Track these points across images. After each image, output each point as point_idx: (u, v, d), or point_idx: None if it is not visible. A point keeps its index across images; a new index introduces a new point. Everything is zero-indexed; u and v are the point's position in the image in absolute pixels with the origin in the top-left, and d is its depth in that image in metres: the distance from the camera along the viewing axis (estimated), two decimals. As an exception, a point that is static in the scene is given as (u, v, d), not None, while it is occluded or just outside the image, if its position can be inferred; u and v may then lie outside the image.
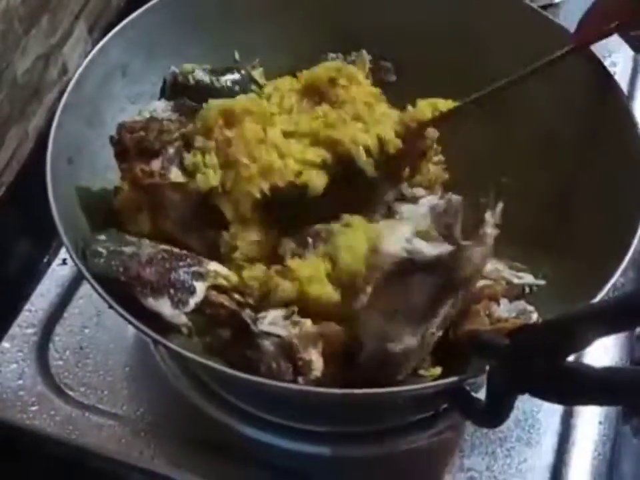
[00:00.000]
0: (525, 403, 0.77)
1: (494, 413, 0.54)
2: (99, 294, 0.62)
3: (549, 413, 0.77)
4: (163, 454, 0.74)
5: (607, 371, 0.47)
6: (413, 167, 0.79)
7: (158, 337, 0.60)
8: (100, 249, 0.66)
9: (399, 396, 0.62)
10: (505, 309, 0.66)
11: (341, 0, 0.85)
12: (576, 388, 0.47)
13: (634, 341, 0.81)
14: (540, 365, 0.48)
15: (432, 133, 0.77)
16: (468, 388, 0.58)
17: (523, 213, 0.75)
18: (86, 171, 0.74)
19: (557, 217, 0.75)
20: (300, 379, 0.63)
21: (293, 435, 0.76)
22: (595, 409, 0.77)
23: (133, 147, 0.73)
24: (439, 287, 0.60)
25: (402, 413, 0.75)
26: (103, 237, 0.68)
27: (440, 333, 0.62)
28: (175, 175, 0.72)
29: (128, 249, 0.68)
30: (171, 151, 0.73)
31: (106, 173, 0.75)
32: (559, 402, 0.51)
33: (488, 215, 0.61)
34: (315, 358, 0.64)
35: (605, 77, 0.75)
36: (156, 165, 0.72)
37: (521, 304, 0.67)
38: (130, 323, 0.60)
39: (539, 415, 0.77)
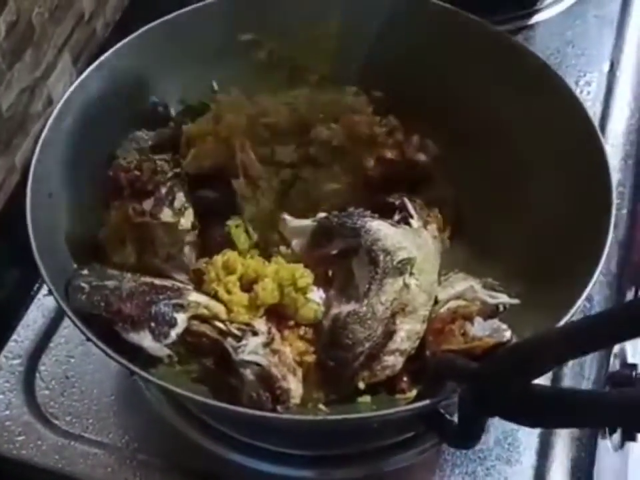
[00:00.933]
0: (504, 422, 0.78)
1: (466, 435, 0.55)
2: (80, 329, 0.63)
3: (528, 431, 0.78)
4: (147, 481, 0.76)
5: (572, 393, 0.48)
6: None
7: (137, 370, 0.61)
8: (82, 284, 0.68)
9: (372, 421, 0.63)
10: (479, 328, 0.67)
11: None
12: (542, 411, 0.48)
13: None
14: (507, 389, 0.49)
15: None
16: (443, 410, 0.59)
17: (498, 234, 0.78)
18: (67, 205, 0.76)
19: (529, 238, 0.76)
20: (279, 407, 0.64)
21: (278, 460, 0.78)
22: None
23: (127, 185, 0.75)
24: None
25: (382, 434, 0.76)
26: (85, 272, 0.70)
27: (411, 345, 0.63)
28: (165, 214, 0.74)
29: (110, 283, 0.70)
30: (163, 190, 0.75)
31: (86, 206, 0.77)
32: (528, 425, 0.52)
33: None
34: (294, 386, 0.66)
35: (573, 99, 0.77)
36: (148, 204, 0.74)
37: (495, 322, 0.68)
38: (109, 356, 0.62)
39: (518, 434, 0.78)
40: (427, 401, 0.58)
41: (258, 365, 0.66)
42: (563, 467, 0.76)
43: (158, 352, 0.67)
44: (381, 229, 0.72)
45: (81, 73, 0.82)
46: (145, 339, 0.66)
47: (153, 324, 0.67)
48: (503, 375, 0.50)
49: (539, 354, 0.48)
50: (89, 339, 0.63)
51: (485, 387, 0.52)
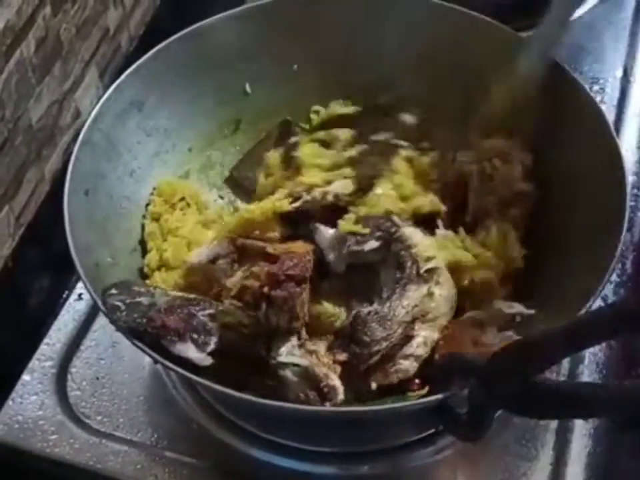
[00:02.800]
0: (522, 420, 0.80)
1: (474, 428, 0.57)
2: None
3: (546, 428, 0.79)
4: (176, 477, 0.78)
5: (573, 386, 0.50)
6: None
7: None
8: (117, 303, 0.70)
9: (384, 413, 0.65)
10: (492, 337, 0.69)
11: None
12: (546, 404, 0.50)
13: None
14: (513, 383, 0.51)
15: None
16: (453, 405, 0.61)
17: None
18: (102, 202, 0.79)
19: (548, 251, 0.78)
20: (327, 404, 0.67)
21: (302, 457, 0.80)
22: (592, 424, 0.80)
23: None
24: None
25: (401, 431, 0.78)
26: (114, 291, 0.72)
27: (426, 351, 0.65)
28: None
29: (144, 300, 0.72)
30: None
31: (121, 203, 0.81)
32: (532, 417, 0.54)
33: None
34: (337, 383, 0.68)
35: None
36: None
37: (509, 334, 0.70)
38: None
39: (536, 430, 0.79)
40: (439, 395, 0.60)
41: (298, 365, 0.68)
42: (580, 463, 0.78)
43: (203, 362, 0.69)
44: (413, 236, 0.75)
45: (107, 86, 0.86)
46: (189, 350, 0.68)
47: (195, 335, 0.69)
48: (509, 370, 0.52)
49: (543, 349, 0.50)
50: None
51: (492, 381, 0.54)
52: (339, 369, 0.71)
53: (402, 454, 0.79)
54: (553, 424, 0.79)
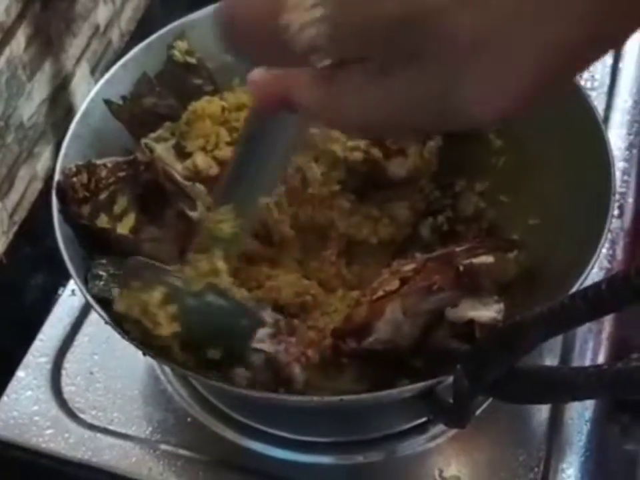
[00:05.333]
0: (513, 406, 0.80)
1: (460, 414, 0.58)
2: (98, 313, 0.67)
3: (538, 414, 0.80)
4: (170, 470, 0.78)
5: (552, 370, 0.50)
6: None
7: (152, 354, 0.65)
8: (100, 272, 0.71)
9: (371, 402, 0.65)
10: None
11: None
12: (526, 389, 0.51)
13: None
14: (496, 370, 0.52)
15: None
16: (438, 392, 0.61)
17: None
18: None
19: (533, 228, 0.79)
20: (281, 390, 0.67)
21: (298, 447, 0.80)
22: (583, 410, 0.80)
23: (69, 190, 0.76)
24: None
25: (391, 419, 0.79)
26: (103, 260, 0.72)
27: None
28: (101, 221, 0.75)
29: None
30: (102, 197, 0.76)
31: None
32: (516, 402, 0.55)
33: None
34: (298, 371, 0.68)
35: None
36: (86, 209, 0.75)
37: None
38: (123, 337, 0.65)
39: (528, 418, 0.80)
40: (423, 383, 0.61)
41: (264, 351, 0.69)
42: (572, 448, 0.78)
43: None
44: None
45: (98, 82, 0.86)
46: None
47: None
48: (490, 356, 0.53)
49: (523, 334, 0.50)
50: (107, 322, 0.66)
51: (475, 368, 0.54)
52: (309, 358, 0.70)
53: (395, 442, 0.80)
54: (545, 410, 0.80)
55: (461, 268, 0.62)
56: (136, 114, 0.85)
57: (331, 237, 0.79)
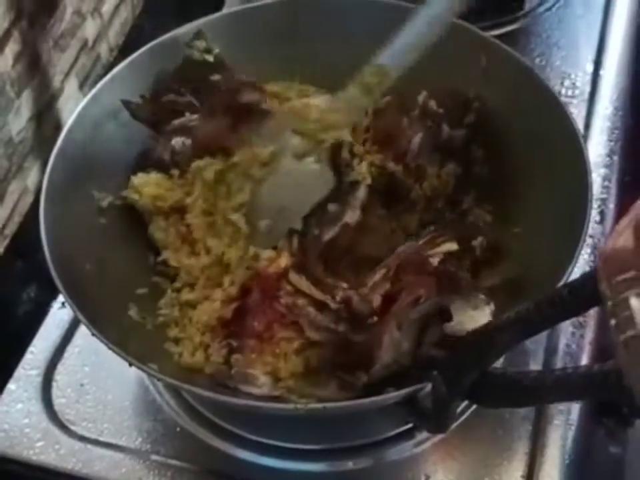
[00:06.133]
0: (497, 412, 0.81)
1: (440, 419, 0.59)
2: (94, 334, 0.68)
3: (521, 418, 0.81)
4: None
5: (521, 374, 0.52)
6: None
7: (135, 362, 0.67)
8: None
9: (353, 409, 0.67)
10: None
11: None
12: (499, 393, 0.52)
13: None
14: (469, 374, 0.53)
15: None
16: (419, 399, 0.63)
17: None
18: (81, 212, 0.82)
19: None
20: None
21: (288, 455, 0.81)
22: (567, 415, 0.81)
23: None
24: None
25: (376, 425, 0.80)
26: None
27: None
28: None
29: None
30: None
31: (97, 212, 0.83)
32: (492, 406, 0.56)
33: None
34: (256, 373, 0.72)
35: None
36: None
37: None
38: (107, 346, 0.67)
39: (512, 422, 0.81)
40: (403, 390, 0.62)
41: None
42: (556, 453, 0.79)
43: None
44: None
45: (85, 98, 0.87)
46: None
47: None
48: (464, 361, 0.54)
49: (492, 339, 0.51)
50: (93, 334, 0.68)
51: (452, 373, 0.56)
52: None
53: (384, 449, 0.81)
54: (530, 415, 0.81)
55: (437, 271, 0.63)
56: (154, 111, 0.87)
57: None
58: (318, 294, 0.74)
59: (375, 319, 0.69)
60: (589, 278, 0.43)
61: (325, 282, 0.75)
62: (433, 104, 0.88)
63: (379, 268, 0.70)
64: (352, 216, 0.79)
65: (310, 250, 0.79)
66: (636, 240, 0.35)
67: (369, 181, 0.81)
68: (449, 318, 0.63)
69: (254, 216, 0.81)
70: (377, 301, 0.70)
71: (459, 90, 0.87)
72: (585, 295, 0.44)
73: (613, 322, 0.37)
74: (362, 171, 0.82)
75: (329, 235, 0.78)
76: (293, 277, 0.76)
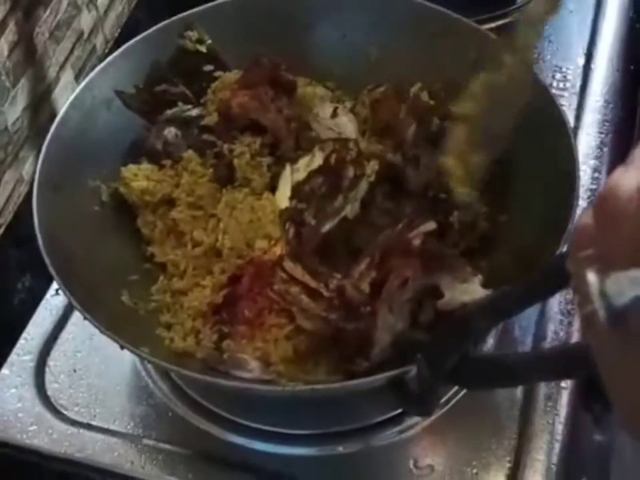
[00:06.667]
0: (486, 397, 0.82)
1: (425, 402, 0.60)
2: (86, 318, 0.69)
3: (510, 404, 0.81)
4: (152, 463, 0.80)
5: (502, 356, 0.53)
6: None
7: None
8: None
9: (341, 391, 0.68)
10: None
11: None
12: (481, 374, 0.53)
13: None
14: (451, 356, 0.54)
15: None
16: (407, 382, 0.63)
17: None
18: (73, 199, 0.82)
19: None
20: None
21: (279, 440, 0.82)
22: (555, 401, 0.82)
23: None
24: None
25: (366, 410, 0.81)
26: None
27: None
28: None
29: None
30: None
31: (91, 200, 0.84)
32: (472, 388, 0.57)
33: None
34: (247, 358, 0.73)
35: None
36: None
37: None
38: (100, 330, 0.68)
39: (500, 408, 0.82)
40: (388, 373, 0.63)
41: None
42: (543, 436, 0.80)
43: None
44: None
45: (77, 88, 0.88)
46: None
47: None
48: (448, 346, 0.55)
49: (470, 321, 0.52)
50: (86, 318, 0.69)
51: (436, 357, 0.57)
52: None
53: (373, 433, 0.81)
54: (517, 400, 0.82)
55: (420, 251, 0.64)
56: (147, 101, 0.89)
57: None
58: (312, 282, 0.75)
59: (368, 308, 0.70)
60: (558, 259, 0.44)
61: (319, 271, 0.76)
62: (424, 95, 0.89)
63: (363, 257, 0.71)
64: (351, 210, 0.80)
65: (306, 240, 0.79)
66: (595, 218, 0.36)
67: (372, 178, 0.81)
68: (440, 295, 0.64)
69: None
70: (365, 289, 0.71)
71: (453, 81, 0.87)
72: (557, 274, 0.44)
73: (576, 298, 0.38)
74: (365, 166, 0.83)
75: (326, 227, 0.79)
76: (288, 264, 0.77)
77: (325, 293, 0.74)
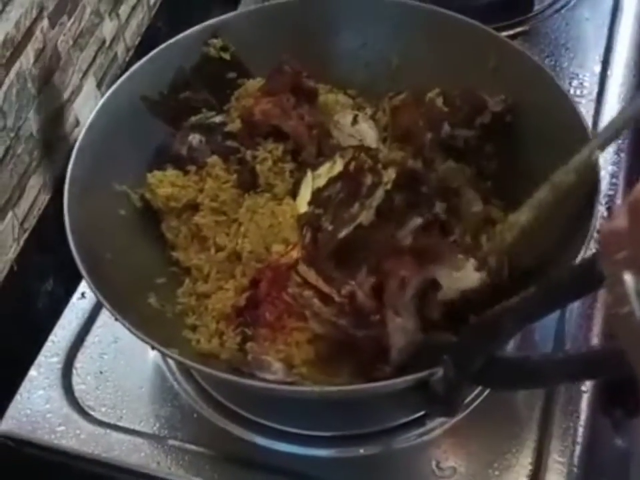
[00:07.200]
0: (506, 401, 0.83)
1: (450, 403, 0.61)
2: (118, 319, 0.70)
3: (529, 406, 0.82)
4: (178, 464, 0.81)
5: (525, 358, 0.54)
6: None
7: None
8: None
9: (367, 393, 0.68)
10: None
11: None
12: (506, 375, 0.54)
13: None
14: (478, 357, 0.55)
15: None
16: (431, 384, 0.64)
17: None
18: (101, 205, 0.84)
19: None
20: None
21: (302, 441, 0.83)
22: (576, 404, 0.83)
23: None
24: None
25: (390, 412, 0.82)
26: None
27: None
28: None
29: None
30: None
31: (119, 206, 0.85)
32: (498, 389, 0.57)
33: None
34: (269, 359, 0.75)
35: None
36: None
37: None
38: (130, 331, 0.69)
39: (519, 410, 0.83)
40: (417, 374, 0.64)
41: None
42: (565, 442, 0.80)
43: None
44: None
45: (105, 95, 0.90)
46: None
47: None
48: (474, 347, 0.56)
49: (497, 323, 0.53)
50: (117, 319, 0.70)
51: (462, 358, 0.57)
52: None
53: (394, 435, 0.82)
54: (539, 403, 0.82)
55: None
56: (171, 108, 0.90)
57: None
58: (324, 287, 0.76)
59: (378, 317, 0.71)
60: (589, 261, 0.45)
61: (333, 277, 0.77)
62: (439, 102, 0.90)
63: (360, 267, 0.73)
64: (367, 216, 0.81)
65: (322, 245, 0.81)
66: (630, 220, 0.37)
67: (388, 186, 0.82)
68: (439, 287, 0.65)
69: None
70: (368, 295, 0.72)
71: (471, 90, 0.88)
72: (585, 277, 0.45)
73: (610, 299, 0.39)
74: (383, 175, 0.84)
75: (342, 233, 0.80)
76: (302, 268, 0.78)
77: (337, 298, 0.75)
